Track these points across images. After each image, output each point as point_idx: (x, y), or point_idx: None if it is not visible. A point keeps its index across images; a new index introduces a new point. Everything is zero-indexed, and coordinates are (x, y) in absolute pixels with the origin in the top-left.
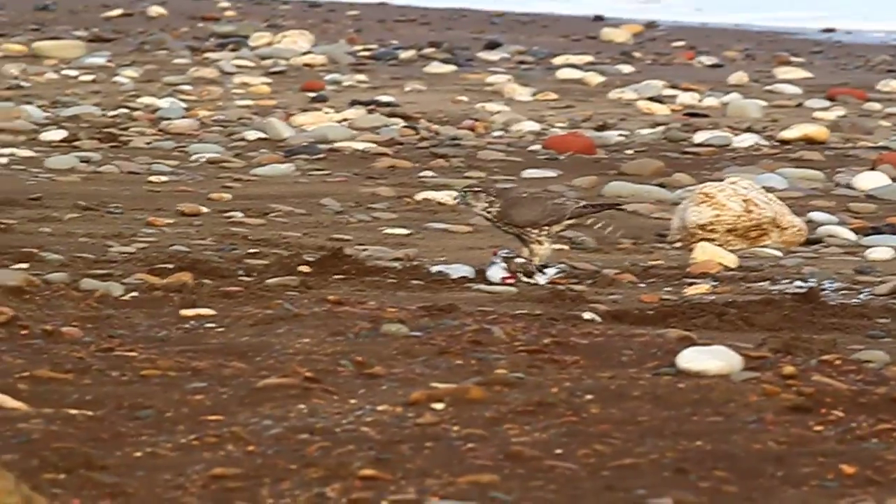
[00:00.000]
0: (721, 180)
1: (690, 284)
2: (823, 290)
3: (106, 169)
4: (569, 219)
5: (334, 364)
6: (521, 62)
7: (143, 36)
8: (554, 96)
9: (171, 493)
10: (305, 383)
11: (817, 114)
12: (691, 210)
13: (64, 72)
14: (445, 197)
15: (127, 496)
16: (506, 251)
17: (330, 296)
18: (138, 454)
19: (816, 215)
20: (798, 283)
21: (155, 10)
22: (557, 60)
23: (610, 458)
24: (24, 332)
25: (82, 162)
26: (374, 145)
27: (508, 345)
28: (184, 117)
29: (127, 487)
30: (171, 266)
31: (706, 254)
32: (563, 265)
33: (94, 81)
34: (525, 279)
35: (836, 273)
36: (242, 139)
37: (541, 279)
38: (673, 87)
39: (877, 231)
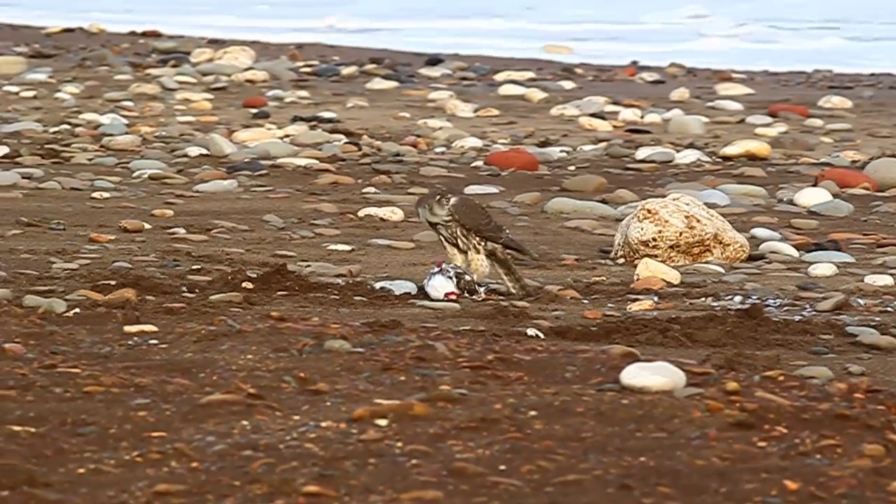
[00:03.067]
0: (663, 196)
1: (634, 301)
2: (766, 306)
3: (48, 185)
4: (500, 244)
5: (278, 380)
6: (463, 78)
7: (84, 52)
8: (496, 112)
9: None
10: (249, 399)
11: (759, 130)
12: (634, 226)
13: (5, 88)
14: (390, 214)
15: None
16: (452, 266)
17: (273, 312)
18: (82, 471)
19: (759, 231)
20: (740, 299)
21: (95, 26)
22: (499, 77)
23: (554, 475)
24: None
25: (24, 178)
26: (317, 161)
27: (452, 361)
28: (126, 133)
29: None
30: (114, 282)
31: (649, 270)
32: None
33: (35, 97)
34: (467, 295)
35: (779, 289)
36: (185, 155)
37: (481, 294)
38: (615, 103)
39: (819, 247)
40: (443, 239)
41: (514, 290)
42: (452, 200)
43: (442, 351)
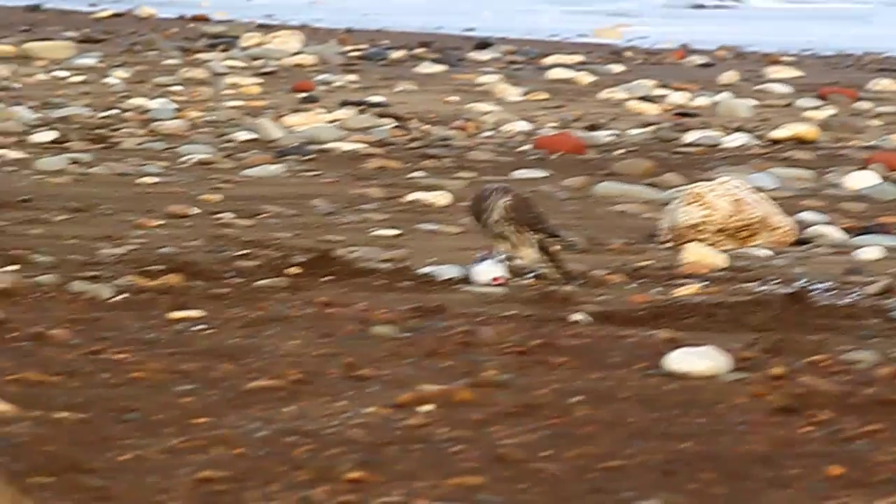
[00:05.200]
0: (711, 180)
1: (680, 285)
2: (813, 290)
3: (96, 170)
4: (547, 233)
5: (323, 366)
6: (512, 62)
7: (133, 37)
8: (544, 96)
9: (158, 497)
10: (294, 385)
11: (808, 113)
12: (681, 210)
13: (54, 73)
14: (437, 197)
15: (114, 499)
16: (501, 252)
17: (319, 297)
18: (125, 457)
19: (806, 215)
20: (779, 282)
21: (145, 10)
22: (548, 60)
23: (597, 461)
24: (12, 334)
25: (72, 163)
26: (365, 146)
27: (497, 346)
28: (174, 118)
29: (114, 490)
30: (160, 268)
31: (696, 254)
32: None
33: (84, 82)
34: (514, 280)
35: (826, 273)
36: (233, 140)
37: (529, 279)
38: (663, 86)
39: (867, 231)
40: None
41: (557, 275)
42: (504, 201)
43: (487, 336)
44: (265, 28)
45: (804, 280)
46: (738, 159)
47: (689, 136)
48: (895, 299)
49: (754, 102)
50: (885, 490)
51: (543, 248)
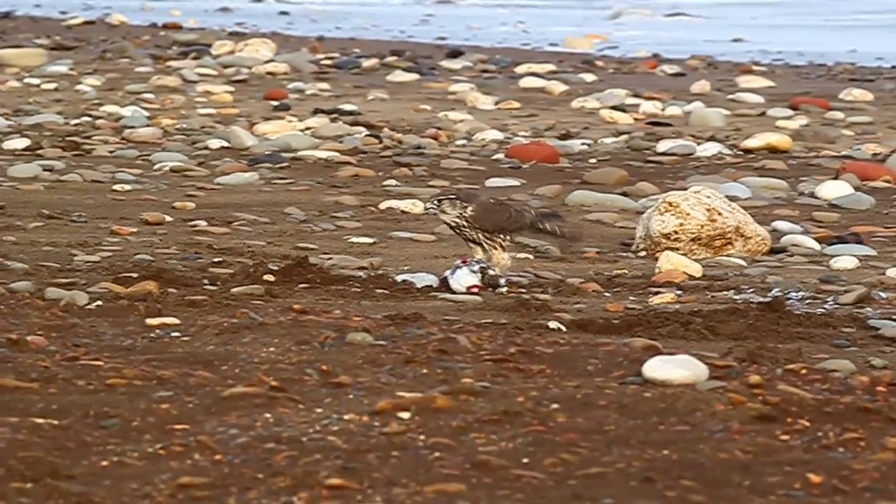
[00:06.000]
0: (685, 189)
1: (655, 293)
2: (788, 299)
3: (69, 177)
4: (529, 228)
5: (300, 373)
6: (484, 71)
7: (105, 44)
8: (517, 105)
9: (139, 503)
10: (271, 392)
11: (780, 123)
12: (655, 219)
13: (26, 80)
14: (411, 206)
15: None
16: (476, 260)
17: (295, 305)
18: (105, 463)
19: (780, 224)
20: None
21: (117, 18)
22: (520, 69)
23: (577, 468)
24: None
25: (45, 170)
26: (338, 154)
27: (474, 354)
28: (147, 126)
29: (94, 496)
30: (135, 275)
31: (671, 263)
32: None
33: (56, 90)
34: (490, 289)
35: (801, 282)
36: (206, 148)
37: (504, 287)
38: (636, 95)
39: (840, 240)
40: (464, 239)
41: (556, 249)
42: (470, 209)
43: (464, 344)
44: (237, 36)
45: (779, 289)
46: (711, 168)
47: (662, 146)
48: (871, 308)
49: (726, 112)
50: (864, 498)
51: (538, 230)
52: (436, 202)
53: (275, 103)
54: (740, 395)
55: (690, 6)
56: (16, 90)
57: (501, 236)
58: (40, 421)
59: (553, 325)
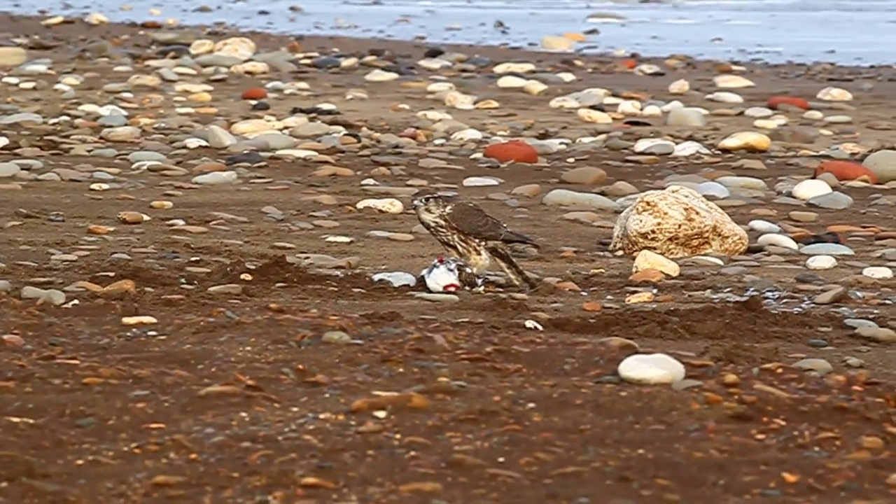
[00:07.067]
0: (662, 189)
1: (632, 293)
2: (765, 298)
3: (47, 176)
4: (500, 240)
5: (276, 372)
6: (463, 70)
7: (83, 43)
8: (495, 104)
9: (114, 501)
10: (247, 391)
11: (758, 122)
12: (633, 218)
13: (4, 79)
14: (389, 205)
15: None
16: (453, 259)
17: (272, 304)
18: (80, 462)
19: (758, 224)
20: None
21: (96, 17)
22: (499, 69)
23: (552, 466)
24: None
25: (23, 170)
26: (316, 153)
27: (450, 353)
28: (125, 125)
29: (69, 495)
30: (112, 274)
31: (648, 262)
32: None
33: (34, 89)
34: (467, 288)
35: (778, 281)
36: (184, 147)
37: (480, 287)
38: (614, 95)
39: (818, 240)
40: (440, 241)
41: (516, 283)
42: (448, 209)
43: (440, 343)
44: (216, 35)
45: (756, 288)
46: (689, 168)
47: (641, 145)
48: (847, 308)
49: (705, 111)
50: (840, 497)
51: (499, 255)
52: (423, 199)
53: (253, 102)
54: (716, 394)
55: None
56: None
57: (476, 240)
58: (16, 420)
59: (530, 324)
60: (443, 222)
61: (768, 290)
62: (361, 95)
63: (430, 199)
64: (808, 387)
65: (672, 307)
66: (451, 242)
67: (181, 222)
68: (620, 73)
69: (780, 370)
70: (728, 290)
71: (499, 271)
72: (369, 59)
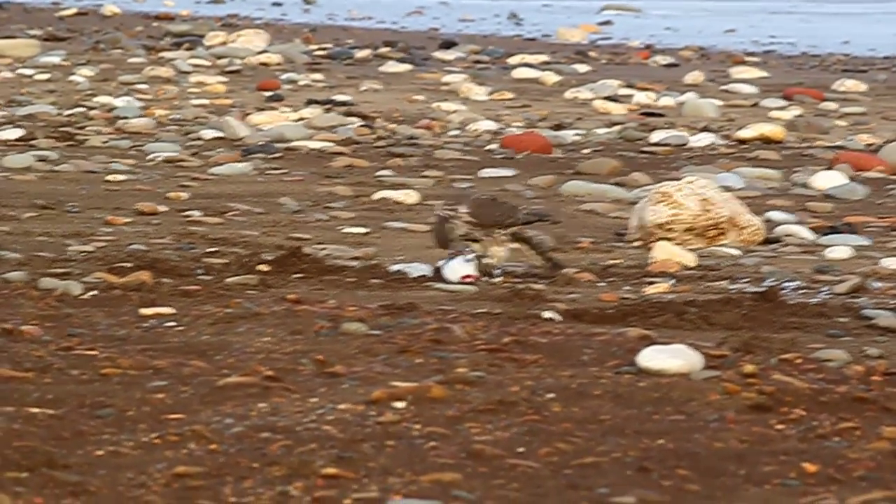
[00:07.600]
0: (678, 179)
1: (650, 283)
2: (783, 289)
3: (63, 168)
4: (521, 223)
5: (294, 363)
6: (477, 61)
7: (98, 35)
8: (510, 95)
9: (134, 492)
10: (266, 382)
11: (774, 113)
12: (649, 209)
13: (19, 71)
14: (404, 196)
15: (89, 494)
16: (470, 249)
17: (289, 295)
18: (100, 453)
19: (774, 214)
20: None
21: (109, 9)
22: (513, 60)
23: (572, 457)
24: None
25: (39, 161)
26: (331, 144)
27: (469, 343)
28: (140, 116)
29: (89, 486)
30: (129, 265)
31: (665, 253)
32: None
33: (49, 80)
34: (485, 278)
35: (795, 272)
36: (199, 138)
37: (498, 277)
38: (629, 86)
39: (834, 230)
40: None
41: (538, 265)
42: (463, 208)
43: (459, 333)
44: (230, 27)
45: (773, 279)
46: (704, 159)
47: (656, 136)
48: (865, 298)
49: (720, 102)
50: (859, 487)
51: (522, 240)
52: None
53: (268, 94)
54: (735, 384)
55: None
56: (9, 81)
57: (498, 231)
58: (35, 410)
59: (547, 314)
60: (466, 227)
61: (786, 281)
62: (376, 87)
63: (449, 221)
64: (826, 377)
65: (690, 298)
66: (473, 237)
67: (197, 213)
68: (635, 65)
69: (798, 360)
70: (745, 280)
71: (519, 259)
72: (383, 50)
